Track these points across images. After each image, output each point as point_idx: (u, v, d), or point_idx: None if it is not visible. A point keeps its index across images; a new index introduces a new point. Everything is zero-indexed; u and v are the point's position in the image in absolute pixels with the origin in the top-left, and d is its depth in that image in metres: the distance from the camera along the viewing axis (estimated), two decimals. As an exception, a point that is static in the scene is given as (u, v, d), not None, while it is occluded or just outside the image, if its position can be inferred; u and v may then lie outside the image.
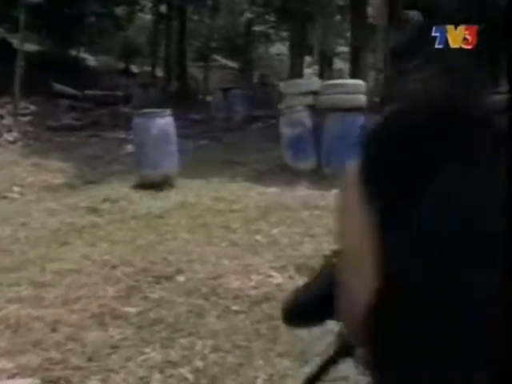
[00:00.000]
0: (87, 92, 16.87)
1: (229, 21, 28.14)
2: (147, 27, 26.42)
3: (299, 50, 23.70)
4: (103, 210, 5.78)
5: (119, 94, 17.38)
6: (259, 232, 4.74)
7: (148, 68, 25.08)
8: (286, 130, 7.80)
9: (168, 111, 7.05)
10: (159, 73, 23.59)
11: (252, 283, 3.60)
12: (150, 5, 25.07)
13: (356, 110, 7.32)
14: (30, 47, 23.97)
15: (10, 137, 11.52)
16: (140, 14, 27.00)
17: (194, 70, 24.91)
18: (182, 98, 19.28)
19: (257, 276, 3.71)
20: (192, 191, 6.45)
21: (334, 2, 23.24)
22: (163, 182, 6.58)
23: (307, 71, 24.39)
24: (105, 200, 6.08)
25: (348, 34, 25.95)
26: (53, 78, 18.27)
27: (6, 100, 14.18)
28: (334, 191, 6.64)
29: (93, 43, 24.29)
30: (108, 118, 14.47)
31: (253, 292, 3.47)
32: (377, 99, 17.15)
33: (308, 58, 27.79)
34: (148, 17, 26.80)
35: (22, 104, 14.73)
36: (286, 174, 7.34)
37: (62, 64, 19.56)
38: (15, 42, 22.60)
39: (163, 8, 23.08)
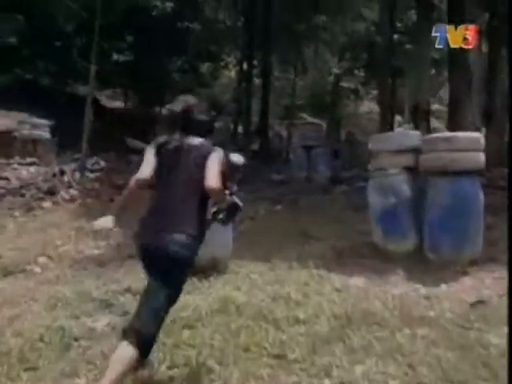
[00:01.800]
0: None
1: (316, 78, 27.21)
2: (232, 84, 25.94)
3: (389, 106, 22.05)
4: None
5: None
6: (329, 371, 2.92)
7: (230, 125, 24.34)
8: (375, 199, 5.92)
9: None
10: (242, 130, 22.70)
11: None
12: (234, 61, 24.54)
13: (471, 172, 5.40)
14: (117, 104, 24.15)
15: (66, 195, 10.52)
16: (225, 72, 26.67)
17: (279, 128, 23.87)
18: (263, 157, 18.15)
19: None
20: (245, 282, 4.74)
21: (428, 54, 21.50)
22: (210, 266, 4.94)
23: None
24: (126, 290, 4.55)
25: (440, 91, 24.29)
26: (132, 135, 17.75)
27: (77, 156, 13.52)
28: (445, 288, 4.72)
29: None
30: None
31: None
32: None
33: (398, 118, 25.93)
34: (233, 74, 26.39)
35: (93, 160, 14.03)
36: (374, 258, 5.43)
37: (143, 121, 19.23)
38: (102, 98, 22.76)
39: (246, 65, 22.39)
